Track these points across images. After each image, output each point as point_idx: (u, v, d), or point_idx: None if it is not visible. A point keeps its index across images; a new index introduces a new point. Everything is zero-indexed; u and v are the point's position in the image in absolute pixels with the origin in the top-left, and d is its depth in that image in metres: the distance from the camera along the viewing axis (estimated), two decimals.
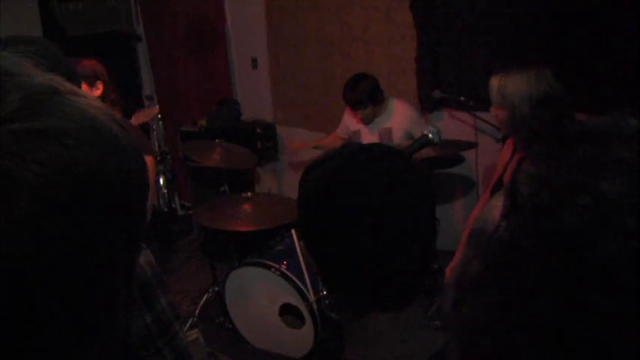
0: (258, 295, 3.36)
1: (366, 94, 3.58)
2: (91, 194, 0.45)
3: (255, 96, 5.27)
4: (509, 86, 2.22)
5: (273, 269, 3.21)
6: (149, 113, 4.60)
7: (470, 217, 2.79)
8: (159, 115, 5.64)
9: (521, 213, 0.43)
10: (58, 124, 0.45)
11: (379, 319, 0.91)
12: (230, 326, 3.53)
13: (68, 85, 0.51)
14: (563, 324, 0.40)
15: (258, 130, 4.90)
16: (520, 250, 0.42)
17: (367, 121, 3.71)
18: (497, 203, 0.47)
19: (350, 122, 3.89)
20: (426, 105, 4.23)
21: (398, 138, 3.72)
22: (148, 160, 2.69)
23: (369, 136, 3.78)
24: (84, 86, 2.71)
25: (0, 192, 0.42)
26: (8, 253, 0.41)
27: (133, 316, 1.03)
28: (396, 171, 0.89)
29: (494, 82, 2.27)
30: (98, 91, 2.79)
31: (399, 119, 3.71)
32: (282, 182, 5.34)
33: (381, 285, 0.89)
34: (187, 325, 3.63)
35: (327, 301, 3.16)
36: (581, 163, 0.41)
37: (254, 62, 5.19)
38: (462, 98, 3.79)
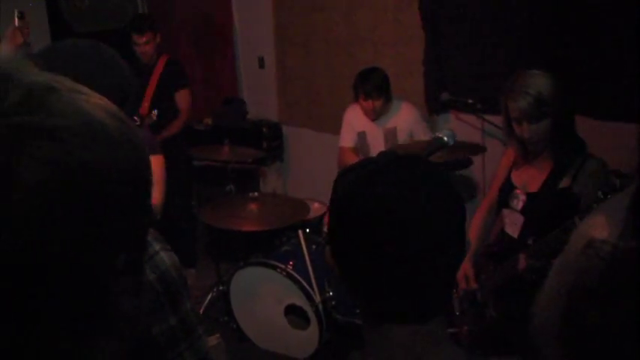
0: (264, 296, 3.35)
1: (380, 82, 3.61)
2: (84, 190, 0.46)
3: (261, 95, 5.26)
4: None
5: (279, 269, 3.20)
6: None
7: (472, 226, 2.72)
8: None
9: None
10: (53, 121, 0.47)
11: (400, 330, 0.89)
12: (234, 326, 3.52)
13: (69, 83, 0.52)
14: None
15: (264, 130, 4.90)
16: None
17: (376, 115, 3.70)
18: (599, 220, 0.47)
19: (355, 123, 3.87)
20: (433, 107, 4.22)
21: (402, 139, 3.73)
22: (157, 159, 2.67)
23: (375, 137, 3.78)
24: None
25: None
26: (4, 248, 0.42)
27: (155, 315, 1.02)
28: (429, 185, 0.88)
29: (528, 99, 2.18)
30: None
31: (403, 120, 3.73)
32: (287, 182, 5.33)
33: (404, 297, 0.88)
34: None
35: (332, 302, 3.15)
36: None
37: (261, 61, 5.18)
38: (470, 101, 3.78)
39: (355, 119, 3.85)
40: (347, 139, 3.92)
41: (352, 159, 3.92)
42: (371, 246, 0.86)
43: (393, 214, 0.85)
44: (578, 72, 3.36)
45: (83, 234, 0.46)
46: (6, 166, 0.43)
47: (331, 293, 3.16)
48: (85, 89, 0.54)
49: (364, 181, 0.89)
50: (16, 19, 2.68)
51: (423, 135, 3.72)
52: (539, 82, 2.19)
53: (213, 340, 1.88)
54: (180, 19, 5.43)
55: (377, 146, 3.77)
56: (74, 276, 0.47)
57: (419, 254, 0.85)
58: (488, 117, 3.77)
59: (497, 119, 3.82)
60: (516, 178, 2.46)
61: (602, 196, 1.89)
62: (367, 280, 0.89)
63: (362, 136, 3.85)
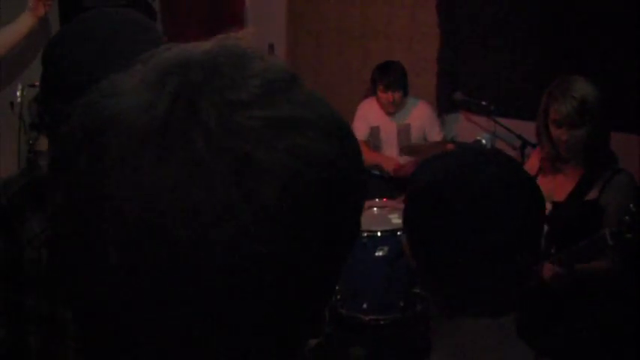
0: None
1: (400, 75, 3.65)
2: (329, 189, 0.44)
3: None
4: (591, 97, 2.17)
5: None
6: None
7: None
8: None
9: None
10: (301, 113, 0.44)
11: (472, 324, 0.90)
12: None
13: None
14: None
15: None
16: None
17: (395, 108, 3.69)
18: None
19: (370, 117, 3.84)
20: (443, 106, 4.21)
21: (416, 136, 3.74)
22: None
23: (388, 132, 3.77)
24: None
25: (243, 179, 0.40)
26: (248, 247, 0.40)
27: None
28: (512, 181, 0.91)
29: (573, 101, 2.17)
30: None
31: (417, 117, 3.74)
32: None
33: (482, 290, 0.89)
34: None
35: (338, 296, 3.15)
36: None
37: (270, 48, 5.12)
38: (484, 102, 3.77)
39: (370, 113, 3.83)
40: (360, 131, 3.90)
41: (364, 152, 3.90)
42: (456, 236, 0.88)
43: (480, 205, 0.87)
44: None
45: (326, 236, 0.44)
46: (255, 155, 0.40)
47: (337, 287, 3.15)
48: None
49: (452, 171, 0.91)
50: None
51: (436, 135, 3.73)
52: (584, 88, 2.19)
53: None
54: (191, 1, 5.36)
55: (389, 142, 3.77)
56: (310, 280, 0.44)
57: (501, 248, 0.87)
58: (500, 120, 3.76)
59: (510, 122, 3.83)
60: (541, 185, 2.44)
61: (634, 209, 1.89)
62: (446, 271, 0.90)
63: (375, 131, 3.83)
